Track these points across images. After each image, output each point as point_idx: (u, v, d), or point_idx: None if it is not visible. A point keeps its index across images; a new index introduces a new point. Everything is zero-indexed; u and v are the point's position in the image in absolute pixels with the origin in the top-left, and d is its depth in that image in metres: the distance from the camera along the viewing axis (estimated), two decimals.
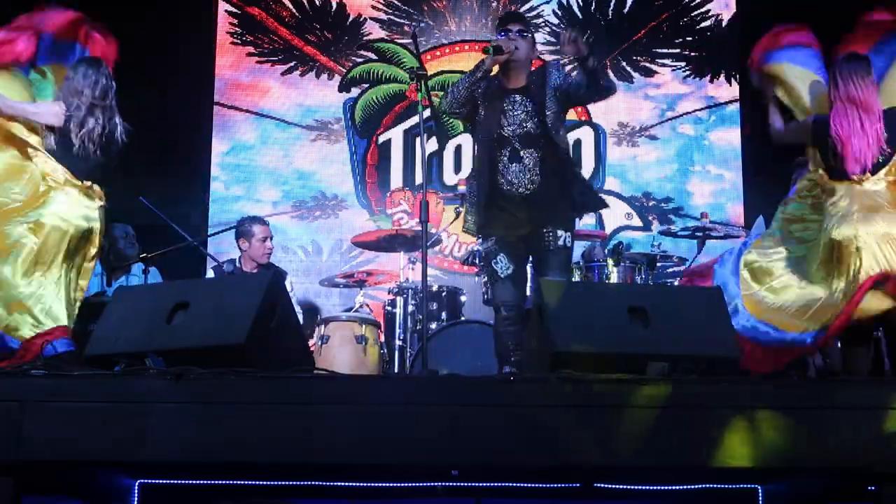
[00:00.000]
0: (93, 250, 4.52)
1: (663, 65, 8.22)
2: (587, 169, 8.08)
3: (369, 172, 7.98)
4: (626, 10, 8.25)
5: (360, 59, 8.13)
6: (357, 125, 8.04)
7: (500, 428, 3.20)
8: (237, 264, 6.33)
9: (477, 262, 5.84)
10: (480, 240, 4.75)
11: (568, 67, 4.70)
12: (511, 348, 4.42)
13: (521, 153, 4.46)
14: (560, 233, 4.47)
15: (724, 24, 8.26)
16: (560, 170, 4.49)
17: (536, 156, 4.46)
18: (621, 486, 3.67)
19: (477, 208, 4.49)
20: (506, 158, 4.46)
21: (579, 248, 6.20)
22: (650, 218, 8.00)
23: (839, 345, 4.89)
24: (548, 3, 8.26)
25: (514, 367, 4.35)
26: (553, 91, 4.48)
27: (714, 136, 8.15)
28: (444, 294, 6.00)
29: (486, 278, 5.55)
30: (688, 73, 8.21)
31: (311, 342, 5.82)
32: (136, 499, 3.63)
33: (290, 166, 8.00)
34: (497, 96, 4.51)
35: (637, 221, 8.00)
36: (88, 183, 4.49)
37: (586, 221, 7.21)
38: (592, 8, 8.26)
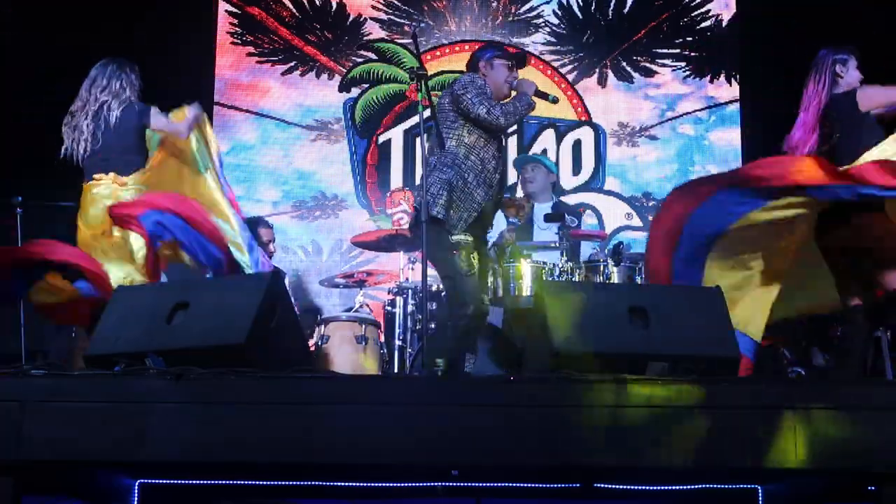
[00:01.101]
0: None
1: (663, 65, 8.22)
2: (587, 169, 8.08)
3: (369, 172, 7.98)
4: (626, 10, 8.25)
5: (360, 59, 8.13)
6: (357, 125, 8.04)
7: (500, 428, 3.19)
8: None
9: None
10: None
11: None
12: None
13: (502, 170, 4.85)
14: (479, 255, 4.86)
15: (724, 24, 8.26)
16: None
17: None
18: (621, 486, 3.67)
19: (470, 210, 4.61)
20: (499, 174, 4.79)
21: (586, 250, 6.21)
22: (650, 218, 7.99)
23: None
24: (548, 3, 8.26)
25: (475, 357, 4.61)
26: None
27: (714, 137, 8.16)
28: (443, 294, 5.99)
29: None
30: (688, 73, 8.22)
31: (311, 342, 5.82)
32: (136, 499, 3.63)
33: (290, 166, 8.00)
34: None
35: (637, 221, 8.00)
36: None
37: (588, 221, 7.21)
38: (592, 8, 8.26)
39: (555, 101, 4.95)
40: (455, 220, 4.59)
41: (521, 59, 5.05)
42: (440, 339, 4.63)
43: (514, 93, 4.88)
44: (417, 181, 4.70)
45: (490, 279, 5.62)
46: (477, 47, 5.22)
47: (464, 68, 5.04)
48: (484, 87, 4.72)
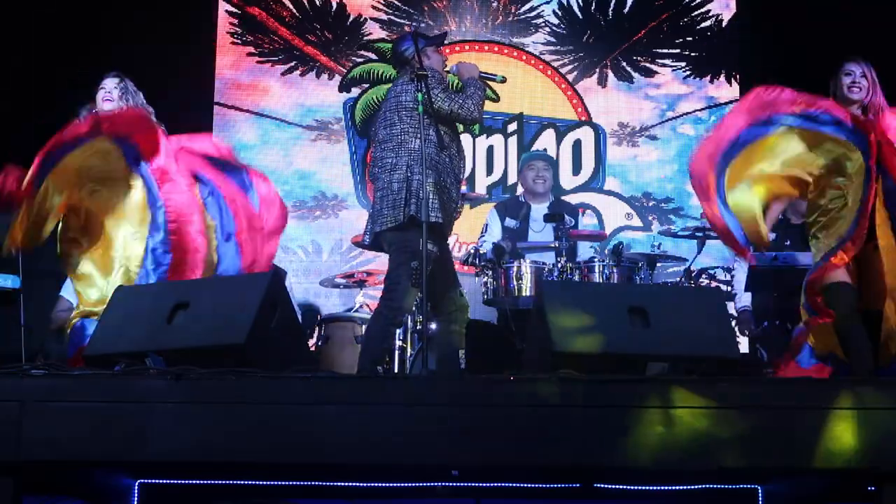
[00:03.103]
0: None
1: (663, 65, 8.22)
2: (587, 169, 8.08)
3: (369, 172, 7.97)
4: (626, 10, 8.24)
5: (360, 59, 8.13)
6: (357, 125, 8.04)
7: (500, 428, 3.20)
8: None
9: (477, 262, 5.84)
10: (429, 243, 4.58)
11: None
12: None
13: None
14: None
15: (724, 24, 8.26)
16: None
17: None
18: (621, 486, 3.67)
19: (449, 211, 4.68)
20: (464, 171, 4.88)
21: (585, 250, 6.22)
22: (650, 218, 8.00)
23: None
24: (548, 3, 8.26)
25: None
26: None
27: None
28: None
29: (487, 276, 5.62)
30: (688, 73, 8.21)
31: (311, 342, 5.83)
32: (136, 499, 3.63)
33: (290, 166, 7.99)
34: None
35: (637, 221, 8.00)
36: None
37: (588, 221, 7.22)
38: (592, 8, 8.26)
39: (503, 80, 4.97)
40: (445, 223, 4.59)
41: (443, 37, 5.09)
42: (376, 341, 4.66)
43: (449, 75, 4.93)
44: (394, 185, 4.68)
45: (489, 279, 5.64)
46: (395, 43, 5.10)
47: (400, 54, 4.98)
48: (444, 80, 4.72)
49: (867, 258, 4.22)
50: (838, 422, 3.20)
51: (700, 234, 5.98)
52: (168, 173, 4.48)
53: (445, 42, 8.05)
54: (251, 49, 8.11)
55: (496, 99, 8.02)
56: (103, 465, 3.38)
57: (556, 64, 8.19)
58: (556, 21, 8.25)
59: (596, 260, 5.69)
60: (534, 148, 7.94)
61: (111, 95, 4.89)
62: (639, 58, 8.22)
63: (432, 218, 4.48)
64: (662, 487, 3.68)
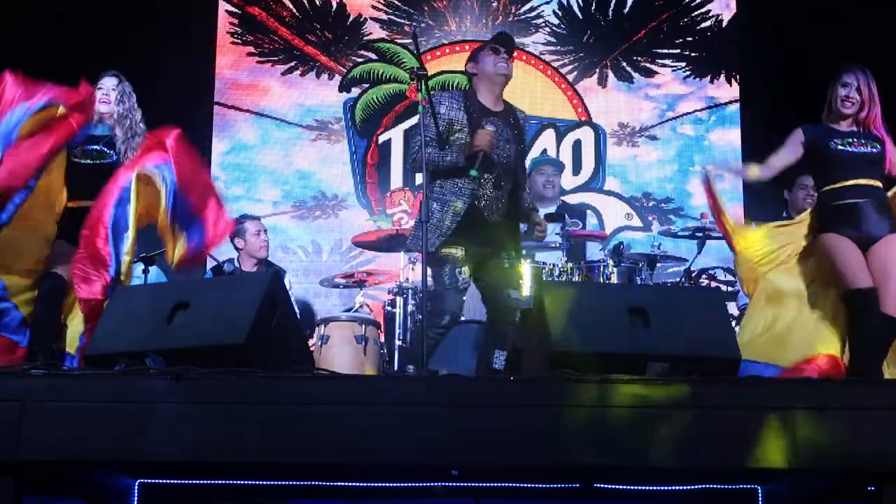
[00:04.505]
0: None
1: (663, 65, 8.22)
2: (587, 169, 8.08)
3: (369, 172, 7.98)
4: (626, 10, 8.25)
5: (360, 59, 8.13)
6: (357, 125, 8.04)
7: (500, 428, 3.20)
8: (236, 264, 6.34)
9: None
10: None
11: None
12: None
13: (503, 181, 4.60)
14: (513, 253, 4.70)
15: (724, 24, 8.26)
16: (517, 202, 4.72)
17: (509, 186, 4.63)
18: (621, 486, 3.67)
19: (441, 230, 4.53)
20: (489, 182, 4.56)
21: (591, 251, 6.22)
22: (650, 218, 8.00)
23: None
24: (548, 3, 8.26)
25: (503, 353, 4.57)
26: (522, 139, 4.79)
27: (714, 137, 8.16)
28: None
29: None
30: (688, 73, 8.22)
31: (310, 342, 5.82)
32: (136, 499, 3.63)
33: (290, 166, 8.00)
34: (481, 116, 4.64)
35: (637, 221, 8.00)
36: None
37: (589, 222, 7.21)
38: (592, 8, 8.26)
39: (475, 175, 4.76)
40: (433, 233, 4.54)
41: (496, 39, 4.96)
42: (417, 346, 4.62)
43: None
44: (418, 181, 4.64)
45: None
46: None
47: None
48: (448, 107, 4.64)
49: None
50: (838, 421, 3.20)
51: (700, 235, 5.98)
52: None
53: (447, 42, 8.13)
54: (251, 49, 8.12)
55: None
56: (103, 465, 3.38)
57: (556, 64, 8.20)
58: (556, 21, 8.25)
59: (599, 260, 5.69)
60: (534, 148, 7.94)
61: (108, 98, 4.90)
62: (639, 58, 8.22)
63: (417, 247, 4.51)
64: (662, 487, 3.68)
